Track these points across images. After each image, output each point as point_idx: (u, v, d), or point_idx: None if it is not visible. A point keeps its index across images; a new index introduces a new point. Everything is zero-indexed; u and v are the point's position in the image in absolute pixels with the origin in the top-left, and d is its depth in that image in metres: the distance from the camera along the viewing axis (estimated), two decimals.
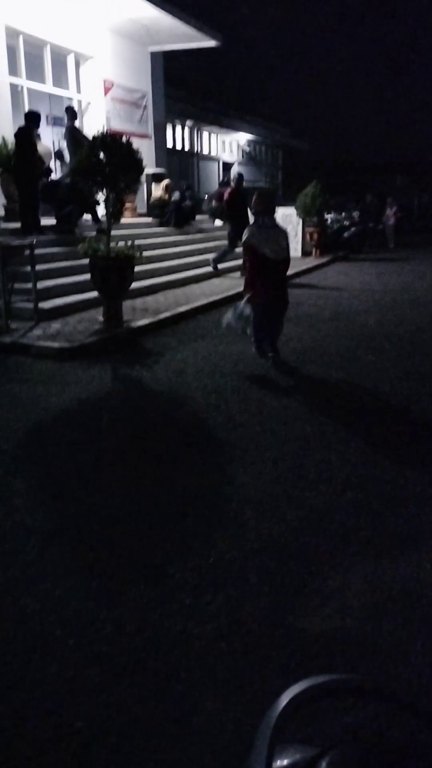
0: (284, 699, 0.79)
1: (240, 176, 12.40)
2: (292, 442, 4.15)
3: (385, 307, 9.20)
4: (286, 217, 15.83)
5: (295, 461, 3.85)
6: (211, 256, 12.03)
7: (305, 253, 15.89)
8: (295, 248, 15.91)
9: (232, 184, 12.08)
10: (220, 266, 11.59)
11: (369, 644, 2.31)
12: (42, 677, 2.14)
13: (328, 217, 17.23)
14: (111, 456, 3.97)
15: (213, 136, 26.98)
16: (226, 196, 11.58)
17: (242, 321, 6.01)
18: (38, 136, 12.16)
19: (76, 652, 2.25)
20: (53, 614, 2.45)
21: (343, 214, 18.75)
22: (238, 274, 10.83)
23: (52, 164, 12.69)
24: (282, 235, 6.03)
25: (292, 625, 2.39)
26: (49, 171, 10.30)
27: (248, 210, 9.13)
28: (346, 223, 18.24)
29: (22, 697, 2.07)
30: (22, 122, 11.64)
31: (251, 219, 6.60)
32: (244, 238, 6.06)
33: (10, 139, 10.14)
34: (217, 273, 11.54)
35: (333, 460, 3.88)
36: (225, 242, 14.13)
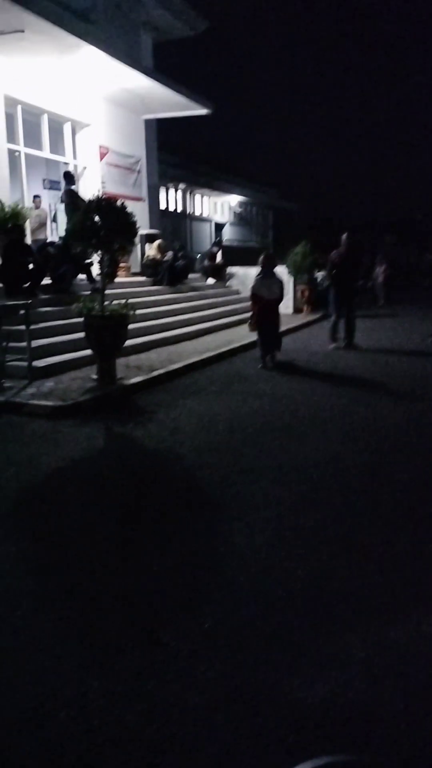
0: None
1: (350, 239, 10.62)
2: (287, 501, 4.12)
3: (378, 363, 9.29)
4: (278, 275, 16.16)
5: (290, 521, 3.81)
6: (201, 313, 12.20)
7: (297, 309, 16.14)
8: (287, 305, 16.20)
9: (342, 248, 10.46)
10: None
11: (369, 714, 2.24)
12: (31, 751, 2.05)
13: (319, 274, 17.58)
14: (104, 518, 3.92)
15: (205, 198, 27.78)
16: (335, 258, 10.33)
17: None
18: (39, 198, 12.53)
19: (67, 725, 2.16)
20: (43, 684, 2.37)
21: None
22: (236, 329, 10.91)
23: (48, 226, 13.04)
24: (277, 283, 8.81)
25: (291, 695, 2.32)
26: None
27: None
28: None
29: None
30: (18, 187, 12.05)
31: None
32: (251, 287, 8.85)
33: (8, 203, 10.42)
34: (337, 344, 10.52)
35: (328, 520, 3.84)
36: (217, 299, 14.42)
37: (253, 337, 10.29)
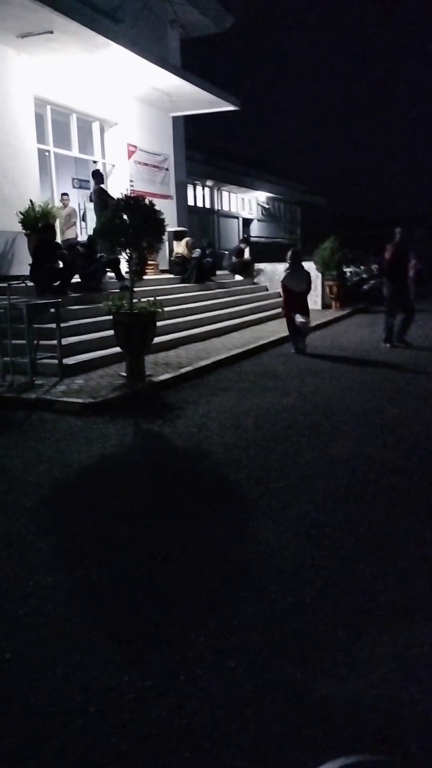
0: None
1: (403, 233, 10.81)
2: (315, 498, 4.11)
3: (408, 359, 9.18)
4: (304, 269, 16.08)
5: (319, 519, 3.80)
6: (232, 310, 12.17)
7: (325, 305, 16.04)
8: (315, 301, 16.11)
9: (390, 245, 10.34)
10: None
11: (399, 714, 2.23)
12: (63, 746, 2.09)
13: (347, 270, 17.44)
14: (133, 513, 3.96)
15: (232, 194, 27.75)
16: (388, 256, 10.22)
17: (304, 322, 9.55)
18: (67, 196, 12.66)
19: (97, 720, 2.20)
20: (74, 679, 2.41)
21: (362, 267, 18.96)
22: (263, 325, 10.91)
23: (78, 224, 13.14)
24: (304, 276, 9.66)
25: (318, 693, 2.32)
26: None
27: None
28: (365, 275, 18.42)
29: (41, 766, 2.01)
30: (48, 185, 12.19)
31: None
32: (281, 280, 9.68)
33: (38, 202, 10.55)
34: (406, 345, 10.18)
35: (357, 518, 3.82)
36: (245, 296, 14.40)
37: (281, 333, 10.39)
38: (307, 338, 9.96)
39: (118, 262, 9.89)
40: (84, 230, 13.37)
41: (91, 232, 10.85)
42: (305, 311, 9.58)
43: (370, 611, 2.83)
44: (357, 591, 3.00)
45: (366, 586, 3.04)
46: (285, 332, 10.23)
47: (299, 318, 9.45)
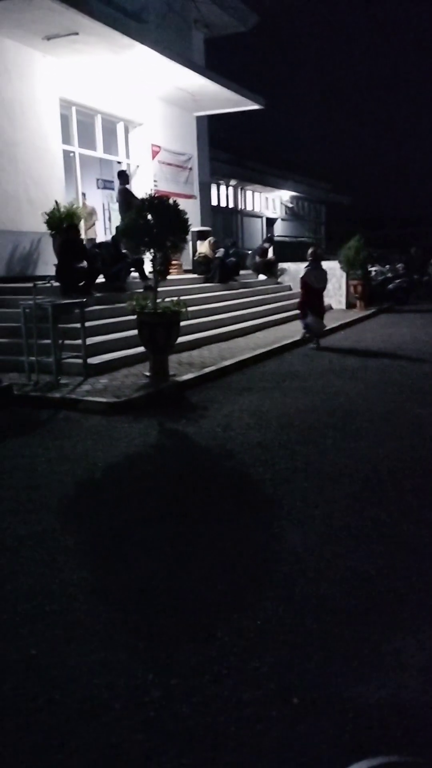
0: None
1: None
2: (340, 499, 4.08)
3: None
4: (330, 270, 15.95)
5: (344, 519, 3.77)
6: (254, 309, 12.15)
7: (350, 305, 15.93)
8: (340, 301, 16.04)
9: None
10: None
11: (426, 716, 2.20)
12: (88, 742, 2.10)
13: (372, 269, 17.29)
14: (157, 513, 3.97)
15: (256, 193, 27.69)
16: None
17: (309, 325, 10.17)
18: (84, 195, 12.75)
19: (123, 717, 2.21)
20: (99, 677, 2.42)
21: (387, 266, 18.79)
22: (287, 325, 10.99)
23: (100, 224, 13.21)
24: (323, 273, 10.26)
25: (344, 693, 2.30)
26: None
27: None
28: (390, 275, 18.25)
29: (66, 763, 2.03)
30: (73, 186, 12.29)
31: None
32: (302, 276, 10.22)
33: (63, 203, 10.65)
34: None
35: (383, 518, 3.78)
36: (269, 295, 14.35)
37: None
38: (332, 338, 10.44)
39: (142, 262, 9.93)
40: (108, 230, 13.44)
41: (115, 232, 10.90)
42: (321, 307, 10.36)
43: (397, 613, 2.80)
44: (383, 593, 2.97)
45: (392, 588, 3.01)
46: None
47: (309, 320, 10.15)
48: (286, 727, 2.14)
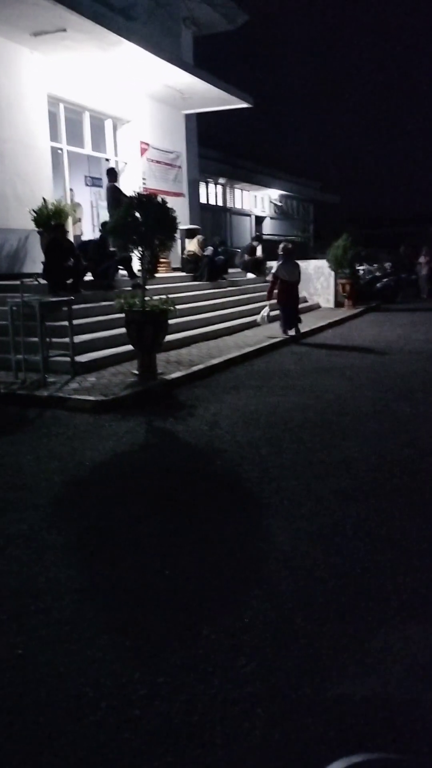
0: None
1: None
2: (327, 496, 4.09)
3: (421, 359, 9.13)
4: (318, 269, 16.08)
5: (331, 517, 3.79)
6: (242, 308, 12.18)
7: (338, 304, 15.98)
8: (328, 299, 16.10)
9: None
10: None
11: (412, 713, 2.21)
12: (75, 741, 2.10)
13: (361, 268, 17.36)
14: (145, 511, 3.97)
15: (245, 192, 27.69)
16: None
17: (266, 317, 11.13)
18: (73, 192, 12.69)
19: (109, 716, 2.20)
20: (86, 675, 2.41)
21: (375, 265, 18.87)
22: (276, 323, 11.14)
23: (87, 221, 13.16)
24: (296, 268, 10.81)
25: (331, 691, 2.31)
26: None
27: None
28: (379, 274, 18.33)
29: (52, 762, 2.02)
30: (60, 184, 12.23)
31: None
32: (273, 271, 10.94)
33: (51, 200, 10.59)
34: None
35: (370, 515, 3.80)
36: (257, 294, 14.37)
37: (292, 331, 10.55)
38: (321, 336, 10.87)
39: (130, 260, 9.91)
40: (96, 228, 13.39)
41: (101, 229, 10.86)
42: (296, 300, 11.08)
43: (382, 611, 2.82)
44: (369, 590, 2.98)
45: (378, 585, 3.02)
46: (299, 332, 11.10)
47: (265, 312, 11.14)
48: (273, 725, 2.15)
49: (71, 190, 12.66)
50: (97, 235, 12.33)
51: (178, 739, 2.10)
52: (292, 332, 10.87)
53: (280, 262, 10.90)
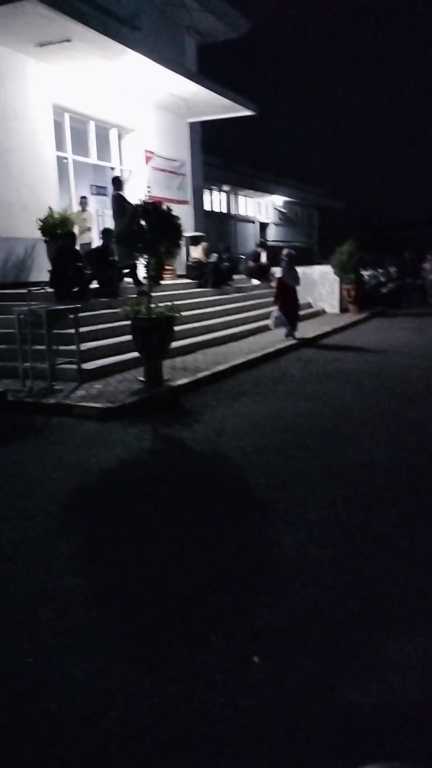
0: None
1: None
2: (335, 503, 4.08)
3: (427, 363, 9.11)
4: (323, 274, 16.07)
5: (339, 523, 3.78)
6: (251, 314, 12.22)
7: (343, 309, 15.97)
8: (333, 305, 16.09)
9: None
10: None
11: (425, 722, 2.20)
12: (84, 751, 2.09)
13: (366, 273, 17.35)
14: (153, 518, 3.97)
15: (249, 198, 27.76)
16: None
17: (279, 321, 11.07)
18: (85, 199, 12.75)
19: (119, 725, 2.20)
20: (95, 683, 2.41)
21: (380, 270, 18.86)
22: (281, 329, 11.26)
23: (94, 230, 13.22)
24: (297, 273, 11.28)
25: (342, 699, 2.30)
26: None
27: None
28: (384, 279, 18.32)
29: None
30: (67, 193, 12.29)
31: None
32: (278, 275, 11.66)
33: (56, 209, 10.64)
34: None
35: (378, 522, 3.79)
36: (262, 300, 14.38)
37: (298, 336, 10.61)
38: (326, 342, 10.91)
39: (135, 267, 9.94)
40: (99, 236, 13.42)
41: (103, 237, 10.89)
42: (297, 304, 11.36)
43: (392, 617, 2.80)
44: (379, 597, 2.97)
45: (388, 591, 3.01)
46: (303, 336, 11.26)
47: (276, 314, 11.14)
48: (284, 734, 2.14)
49: (84, 198, 12.72)
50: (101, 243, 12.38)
51: (188, 749, 2.09)
52: (297, 333, 11.16)
53: (285, 269, 11.17)
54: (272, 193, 28.49)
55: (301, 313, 12.12)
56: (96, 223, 13.66)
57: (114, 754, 2.08)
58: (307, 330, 11.96)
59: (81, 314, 7.91)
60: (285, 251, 11.69)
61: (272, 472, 4.67)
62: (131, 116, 13.79)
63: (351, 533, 3.64)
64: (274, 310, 11.22)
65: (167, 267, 10.30)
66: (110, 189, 12.50)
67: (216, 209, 24.78)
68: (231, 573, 3.23)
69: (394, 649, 2.58)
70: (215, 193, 24.74)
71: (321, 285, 16.21)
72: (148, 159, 14.41)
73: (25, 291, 7.91)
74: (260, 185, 26.98)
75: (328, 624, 2.76)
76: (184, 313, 7.92)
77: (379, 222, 38.01)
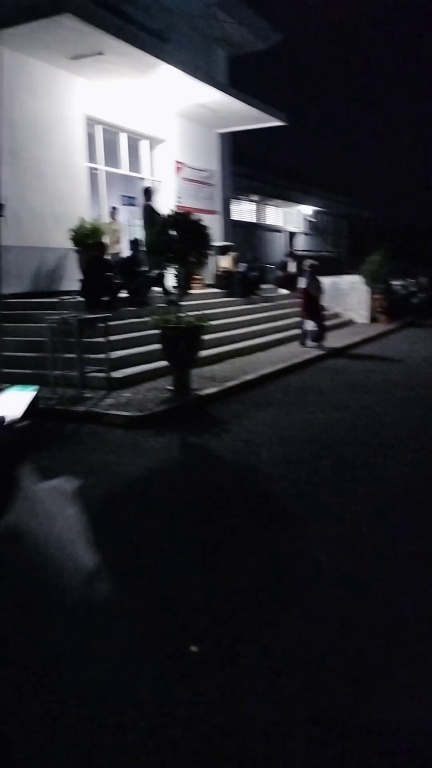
0: None
1: None
2: (366, 515, 4.03)
3: None
4: (352, 284, 15.99)
5: (370, 537, 3.73)
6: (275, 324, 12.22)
7: (373, 319, 15.85)
8: (362, 314, 15.98)
9: None
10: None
11: None
12: (113, 759, 2.09)
13: (396, 283, 17.21)
14: (181, 528, 3.96)
15: (278, 208, 27.77)
16: None
17: (306, 334, 11.37)
18: (116, 210, 12.89)
19: (149, 736, 2.19)
20: (125, 694, 2.41)
21: (411, 280, 18.69)
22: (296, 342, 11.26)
23: (125, 240, 13.34)
24: (320, 283, 11.49)
25: (374, 715, 2.26)
26: None
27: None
28: (414, 289, 18.14)
29: None
30: (98, 203, 12.44)
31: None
32: (303, 286, 11.43)
33: (88, 219, 10.77)
34: None
35: (410, 534, 3.73)
36: (290, 309, 14.35)
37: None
38: (356, 352, 11.07)
39: (163, 276, 9.99)
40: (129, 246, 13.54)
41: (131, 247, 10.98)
42: (321, 313, 11.69)
43: (426, 633, 2.75)
44: (411, 612, 2.92)
45: (421, 606, 2.96)
46: (332, 346, 11.38)
47: (310, 326, 11.33)
48: (315, 749, 2.11)
49: (114, 208, 12.85)
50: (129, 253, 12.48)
51: (217, 762, 2.07)
52: (325, 343, 11.30)
53: (310, 279, 11.34)
54: (301, 202, 28.46)
55: (329, 323, 12.31)
56: (126, 233, 13.79)
57: (144, 764, 2.07)
58: (335, 340, 11.90)
59: (110, 323, 7.97)
60: (308, 262, 11.91)
61: (302, 484, 4.63)
62: (162, 127, 13.92)
63: (383, 547, 3.59)
64: (304, 324, 11.42)
65: (196, 276, 10.36)
66: (140, 199, 12.61)
67: (245, 219, 24.83)
68: (262, 585, 3.21)
69: (427, 665, 2.52)
70: (244, 203, 24.80)
71: (350, 295, 16.12)
72: (178, 169, 14.52)
73: (56, 300, 8.00)
74: (289, 195, 26.98)
75: (360, 638, 2.72)
76: (212, 323, 7.94)
77: (408, 231, 37.66)
